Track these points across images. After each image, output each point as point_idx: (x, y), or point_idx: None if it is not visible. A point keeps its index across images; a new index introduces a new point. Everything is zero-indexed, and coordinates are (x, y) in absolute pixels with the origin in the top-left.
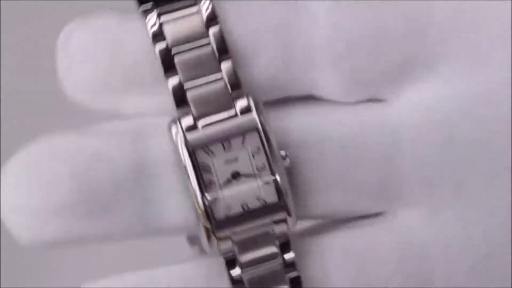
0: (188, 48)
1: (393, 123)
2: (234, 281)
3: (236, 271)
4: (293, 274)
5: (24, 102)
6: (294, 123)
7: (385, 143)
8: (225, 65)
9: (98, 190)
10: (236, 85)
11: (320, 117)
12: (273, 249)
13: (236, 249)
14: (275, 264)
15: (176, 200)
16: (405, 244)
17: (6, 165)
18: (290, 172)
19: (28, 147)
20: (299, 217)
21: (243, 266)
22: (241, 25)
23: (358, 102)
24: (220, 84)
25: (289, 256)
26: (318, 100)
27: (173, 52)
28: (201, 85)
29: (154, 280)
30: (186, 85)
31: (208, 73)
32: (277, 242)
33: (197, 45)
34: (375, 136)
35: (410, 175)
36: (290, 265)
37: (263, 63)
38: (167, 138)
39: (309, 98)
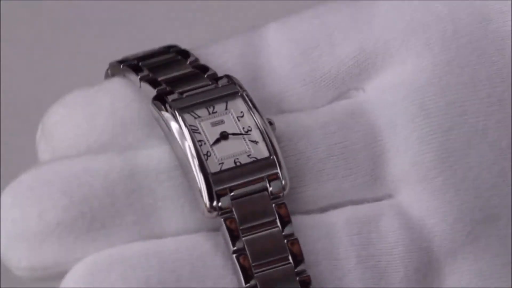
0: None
1: (366, 109)
2: (235, 244)
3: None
4: (292, 238)
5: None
6: (276, 121)
7: (364, 127)
8: (192, 60)
9: (94, 205)
10: (208, 70)
11: (297, 115)
12: (271, 212)
13: (234, 209)
14: (274, 228)
15: (173, 205)
16: (403, 215)
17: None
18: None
19: (19, 177)
20: (296, 212)
21: (243, 230)
22: (209, 61)
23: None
24: (196, 74)
25: (286, 223)
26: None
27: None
28: (176, 78)
29: (161, 248)
30: (160, 80)
31: (178, 71)
32: (274, 206)
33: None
34: (353, 122)
35: (393, 151)
36: (288, 230)
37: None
38: (154, 148)
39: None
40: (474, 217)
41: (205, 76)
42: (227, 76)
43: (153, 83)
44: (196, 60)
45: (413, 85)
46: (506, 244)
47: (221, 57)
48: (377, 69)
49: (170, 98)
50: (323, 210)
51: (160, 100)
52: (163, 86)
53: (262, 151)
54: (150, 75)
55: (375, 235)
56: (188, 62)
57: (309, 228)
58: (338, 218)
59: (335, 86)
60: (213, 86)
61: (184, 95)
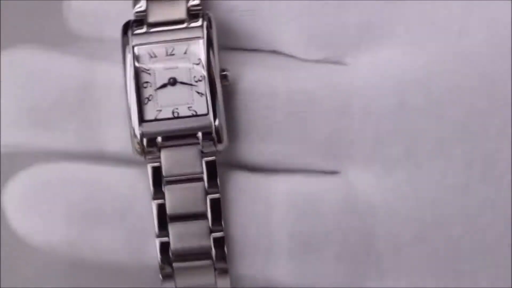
0: None
1: (347, 83)
2: (156, 191)
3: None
4: (214, 196)
5: None
6: (246, 72)
7: (336, 101)
8: None
9: (42, 104)
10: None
11: (273, 70)
12: (197, 169)
13: (162, 159)
14: (198, 185)
15: (118, 127)
16: (350, 200)
17: None
18: (234, 109)
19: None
20: (240, 164)
21: (166, 180)
22: None
23: (318, 62)
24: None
25: (211, 180)
26: (278, 55)
27: None
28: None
29: (97, 177)
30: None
31: None
32: (204, 165)
33: None
34: (326, 93)
35: (360, 134)
36: (211, 189)
37: (227, 8)
38: (118, 64)
39: (272, 54)
40: (425, 219)
41: (185, 2)
42: (204, 15)
43: None
44: None
45: (402, 79)
46: (456, 248)
47: None
48: (377, 46)
49: (136, 30)
50: (263, 166)
51: (127, 29)
52: (140, 8)
53: (203, 106)
54: None
55: (313, 216)
56: None
57: (248, 189)
58: (281, 186)
59: (331, 48)
60: (183, 26)
61: (152, 29)
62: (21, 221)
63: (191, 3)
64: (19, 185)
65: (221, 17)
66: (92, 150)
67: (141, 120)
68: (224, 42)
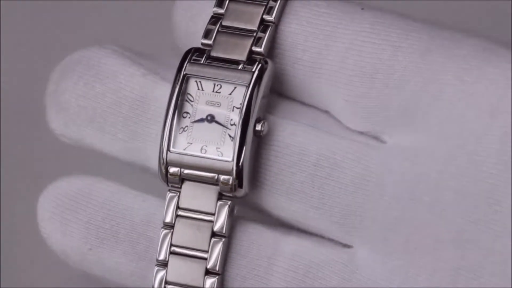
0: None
1: (371, 161)
2: (167, 220)
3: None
4: (218, 240)
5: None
6: (286, 125)
7: (356, 175)
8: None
9: (99, 109)
10: (259, 46)
11: (312, 130)
12: (210, 209)
13: (181, 189)
14: (207, 225)
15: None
16: (349, 273)
17: None
18: (265, 158)
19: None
20: (262, 210)
21: (178, 213)
22: (286, 25)
23: (360, 133)
24: (248, 38)
25: (219, 224)
26: (328, 117)
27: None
28: (232, 30)
29: (120, 200)
30: (223, 24)
31: (245, 23)
32: (217, 207)
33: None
34: (349, 165)
35: (371, 214)
36: (218, 232)
37: (291, 60)
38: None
39: (323, 113)
40: None
41: (250, 46)
42: (262, 61)
43: (214, 22)
44: (270, 21)
45: (419, 168)
46: None
47: (296, 34)
48: (411, 128)
49: (194, 59)
50: (281, 219)
51: (186, 56)
52: (208, 42)
53: (229, 151)
54: (219, 12)
55: (309, 281)
56: (262, 15)
57: (255, 242)
58: (288, 248)
59: (373, 123)
60: (239, 67)
61: (208, 62)
62: (46, 224)
63: (255, 49)
64: (53, 192)
65: (283, 66)
66: (138, 163)
67: (170, 148)
68: (280, 89)
